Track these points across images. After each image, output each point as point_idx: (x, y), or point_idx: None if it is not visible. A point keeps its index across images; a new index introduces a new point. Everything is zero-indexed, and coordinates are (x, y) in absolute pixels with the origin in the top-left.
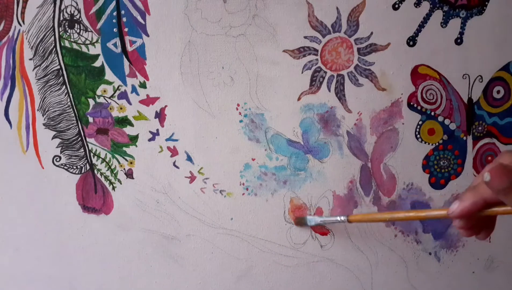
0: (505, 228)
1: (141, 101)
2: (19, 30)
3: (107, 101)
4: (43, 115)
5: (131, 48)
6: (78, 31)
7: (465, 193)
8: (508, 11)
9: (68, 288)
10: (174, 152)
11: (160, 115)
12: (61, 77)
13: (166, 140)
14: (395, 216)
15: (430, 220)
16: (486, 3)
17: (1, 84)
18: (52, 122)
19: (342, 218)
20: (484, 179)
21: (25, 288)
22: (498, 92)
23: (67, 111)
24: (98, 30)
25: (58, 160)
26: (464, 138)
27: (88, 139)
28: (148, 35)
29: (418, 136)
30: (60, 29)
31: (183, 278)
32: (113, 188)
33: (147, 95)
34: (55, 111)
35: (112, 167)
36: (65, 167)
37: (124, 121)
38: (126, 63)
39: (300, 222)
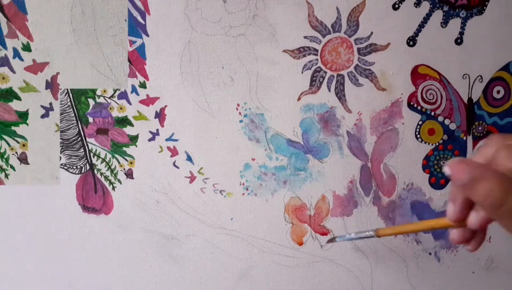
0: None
1: (141, 101)
2: None
3: (107, 101)
4: None
5: (131, 48)
6: None
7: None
8: (508, 11)
9: (68, 288)
10: (174, 152)
11: (160, 115)
12: None
13: (166, 140)
14: (418, 227)
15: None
16: (486, 3)
17: None
18: None
19: (371, 233)
20: (445, 172)
21: (25, 288)
22: (498, 92)
23: (67, 111)
24: None
25: None
26: (464, 138)
27: (88, 139)
28: (148, 35)
29: (418, 136)
30: None
31: (183, 278)
32: (113, 188)
33: (147, 95)
34: None
35: (112, 167)
36: (65, 167)
37: (124, 121)
38: None
39: (331, 241)
